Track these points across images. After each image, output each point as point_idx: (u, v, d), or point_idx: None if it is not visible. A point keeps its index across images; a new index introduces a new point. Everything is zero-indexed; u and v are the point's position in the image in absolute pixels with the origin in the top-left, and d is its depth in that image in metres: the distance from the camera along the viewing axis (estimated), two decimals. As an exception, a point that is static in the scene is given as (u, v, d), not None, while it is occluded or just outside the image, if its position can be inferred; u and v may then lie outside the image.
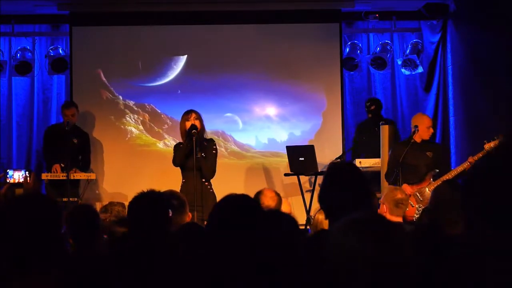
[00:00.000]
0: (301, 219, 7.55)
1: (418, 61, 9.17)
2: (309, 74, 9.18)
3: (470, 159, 6.83)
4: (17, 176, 7.91)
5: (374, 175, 8.31)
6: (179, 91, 9.20)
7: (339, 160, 7.89)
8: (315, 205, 6.43)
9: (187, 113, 6.84)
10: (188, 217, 4.31)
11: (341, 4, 9.20)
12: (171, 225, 3.32)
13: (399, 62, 9.33)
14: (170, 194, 4.18)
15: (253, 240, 2.41)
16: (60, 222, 2.34)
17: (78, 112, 8.38)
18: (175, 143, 9.06)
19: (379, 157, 8.01)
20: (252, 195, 2.97)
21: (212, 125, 8.71)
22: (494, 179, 1.25)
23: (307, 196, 7.98)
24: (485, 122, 8.06)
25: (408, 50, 9.30)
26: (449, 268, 2.33)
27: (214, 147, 6.90)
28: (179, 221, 3.90)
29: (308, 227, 7.37)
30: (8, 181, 7.80)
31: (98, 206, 7.42)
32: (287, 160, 8.27)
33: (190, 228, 3.03)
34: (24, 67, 9.03)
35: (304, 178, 8.49)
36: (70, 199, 7.68)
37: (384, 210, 5.26)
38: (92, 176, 8.29)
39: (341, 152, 8.76)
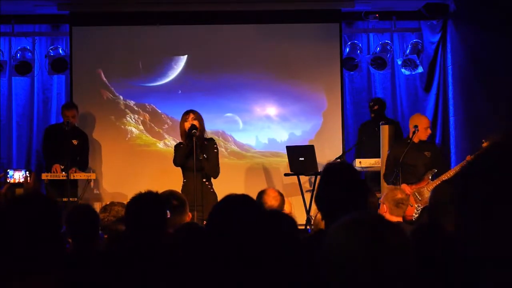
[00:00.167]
0: (301, 219, 7.55)
1: (418, 61, 9.17)
2: (309, 74, 9.18)
3: (468, 159, 6.85)
4: (17, 176, 7.92)
5: (374, 175, 8.32)
6: (180, 91, 9.20)
7: (339, 160, 7.89)
8: (315, 205, 6.43)
9: (186, 114, 6.87)
10: (188, 217, 4.31)
11: (341, 4, 9.20)
12: (168, 226, 3.33)
13: (399, 62, 9.33)
14: (170, 194, 4.19)
15: (252, 240, 2.41)
16: (60, 222, 2.34)
17: (78, 113, 8.39)
18: (175, 143, 9.09)
19: (379, 157, 8.01)
20: (252, 195, 2.97)
21: (213, 125, 8.71)
22: (488, 177, 1.25)
23: (307, 196, 7.98)
24: (485, 122, 8.06)
25: (408, 50, 9.30)
26: (448, 267, 2.34)
27: (215, 146, 6.93)
28: (179, 221, 3.91)
29: (308, 227, 7.38)
30: (8, 181, 7.80)
31: (98, 206, 7.42)
32: (287, 160, 8.27)
33: (189, 228, 3.03)
34: (24, 67, 9.03)
35: (304, 178, 8.49)
36: (70, 199, 7.69)
37: (384, 210, 5.26)
38: (92, 176, 8.30)
39: (341, 152, 8.76)
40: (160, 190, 4.18)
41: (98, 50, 9.15)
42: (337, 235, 1.57)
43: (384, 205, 5.34)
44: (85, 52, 9.09)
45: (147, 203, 3.28)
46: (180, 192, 4.32)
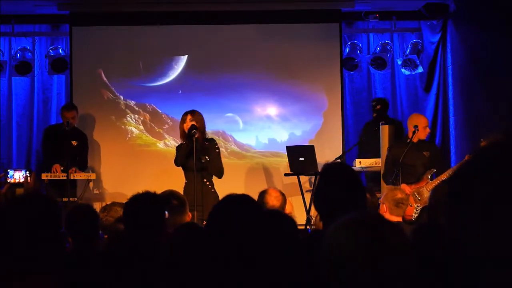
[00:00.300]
0: (301, 219, 7.55)
1: (418, 61, 9.17)
2: (309, 74, 9.18)
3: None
4: (17, 176, 7.92)
5: (374, 175, 8.32)
6: (180, 91, 9.21)
7: (339, 160, 7.89)
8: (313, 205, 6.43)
9: (184, 115, 6.93)
10: (188, 217, 4.31)
11: (341, 4, 9.20)
12: (168, 225, 3.33)
13: (399, 62, 9.33)
14: (170, 194, 4.18)
15: (252, 240, 2.41)
16: (60, 222, 2.34)
17: (78, 114, 8.39)
18: (175, 143, 9.11)
19: (380, 157, 8.00)
20: (252, 195, 2.97)
21: (213, 125, 8.71)
22: (487, 176, 1.25)
23: (307, 196, 7.97)
24: (485, 122, 8.06)
25: (408, 50, 9.30)
26: (448, 267, 2.34)
27: (216, 146, 6.96)
28: (179, 221, 3.90)
29: (308, 227, 7.38)
30: (8, 181, 7.80)
31: (98, 206, 7.42)
32: (287, 160, 8.27)
33: (188, 228, 3.04)
34: (24, 67, 9.03)
35: (304, 178, 8.49)
36: (70, 199, 7.69)
37: (384, 209, 5.26)
38: (92, 176, 8.30)
39: (341, 152, 8.76)
40: (160, 190, 4.19)
41: (98, 50, 9.15)
42: (336, 235, 1.57)
43: (384, 205, 5.34)
44: (85, 52, 9.09)
45: (145, 204, 3.30)
46: (180, 192, 4.32)
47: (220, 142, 8.82)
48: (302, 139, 9.11)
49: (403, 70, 9.29)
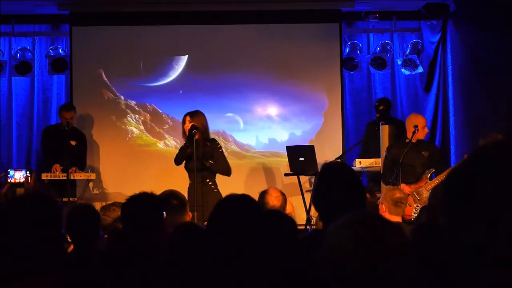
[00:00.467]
0: (301, 219, 7.55)
1: (418, 61, 9.17)
2: (309, 74, 9.18)
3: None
4: (18, 176, 7.91)
5: (375, 175, 8.31)
6: (181, 91, 9.21)
7: (339, 160, 7.89)
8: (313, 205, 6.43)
9: (184, 116, 6.96)
10: (189, 217, 4.31)
11: (341, 4, 9.20)
12: (168, 225, 3.33)
13: (399, 62, 9.33)
14: (170, 193, 4.18)
15: (252, 240, 2.41)
16: (60, 222, 2.34)
17: (76, 114, 8.38)
18: (175, 143, 9.12)
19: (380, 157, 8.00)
20: (252, 195, 2.97)
21: (213, 125, 8.69)
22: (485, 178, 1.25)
23: (307, 196, 7.97)
24: (485, 122, 8.06)
25: (408, 50, 9.30)
26: (448, 267, 2.34)
27: (219, 146, 7.03)
28: (179, 220, 3.90)
29: (308, 227, 7.38)
30: (9, 181, 7.80)
31: (98, 206, 7.42)
32: (287, 160, 8.27)
33: (185, 228, 3.04)
34: (24, 67, 9.03)
35: (304, 178, 8.49)
36: (70, 199, 7.69)
37: (383, 209, 5.26)
38: (92, 176, 8.30)
39: (341, 152, 8.76)
40: (160, 190, 4.19)
41: (98, 50, 9.15)
42: (336, 235, 1.57)
43: (383, 205, 5.34)
44: (85, 52, 9.09)
45: (142, 204, 3.31)
46: (181, 192, 4.32)
47: (221, 142, 8.80)
48: (302, 139, 9.11)
49: (403, 70, 9.29)
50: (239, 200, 2.81)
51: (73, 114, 8.22)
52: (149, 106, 9.25)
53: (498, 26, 7.79)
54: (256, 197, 5.05)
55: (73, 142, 8.13)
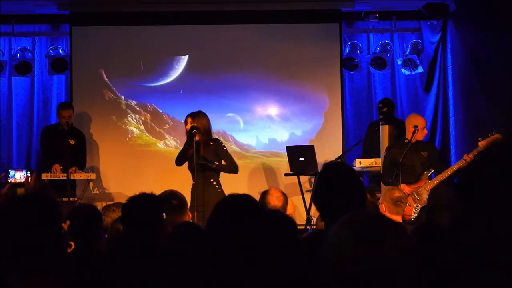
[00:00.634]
0: (301, 219, 7.55)
1: (418, 61, 9.17)
2: (309, 74, 9.18)
3: (465, 157, 6.90)
4: (18, 176, 7.91)
5: (375, 175, 8.31)
6: (181, 91, 9.21)
7: (339, 160, 7.89)
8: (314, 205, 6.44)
9: (186, 117, 6.95)
10: (188, 217, 4.31)
11: (341, 4, 9.20)
12: (168, 225, 3.34)
13: (399, 62, 9.33)
14: (170, 193, 4.18)
15: (252, 240, 2.41)
16: (60, 222, 2.34)
17: (74, 113, 8.39)
18: (175, 143, 9.13)
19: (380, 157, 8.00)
20: (252, 195, 2.97)
21: (214, 125, 8.62)
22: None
23: (307, 196, 7.97)
24: (485, 122, 8.06)
25: (408, 50, 9.30)
26: (448, 267, 2.34)
27: (222, 144, 7.08)
28: (179, 220, 3.90)
29: (308, 227, 7.38)
30: (9, 181, 7.80)
31: (98, 206, 7.42)
32: (287, 160, 8.27)
33: (185, 228, 3.04)
34: (24, 67, 9.03)
35: (304, 178, 8.49)
36: (70, 199, 7.69)
37: (383, 209, 5.27)
38: (92, 176, 8.30)
39: (341, 152, 8.76)
40: (160, 190, 4.19)
41: (98, 50, 9.15)
42: (338, 235, 1.57)
43: (383, 205, 5.35)
44: (85, 52, 9.09)
45: (142, 205, 3.32)
46: (179, 192, 4.32)
47: (221, 142, 8.83)
48: (303, 139, 9.11)
49: (403, 70, 9.28)
50: (240, 200, 2.80)
51: (71, 113, 8.22)
52: (149, 106, 9.25)
53: (498, 26, 7.79)
54: (256, 197, 5.05)
55: (72, 141, 8.12)
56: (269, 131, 9.27)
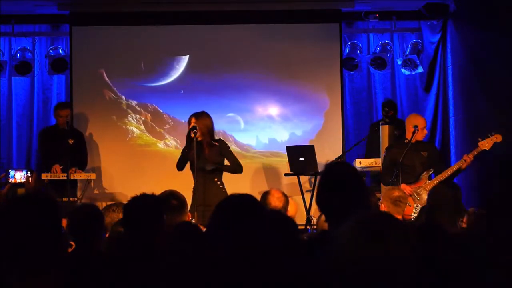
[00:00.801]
0: (301, 219, 7.55)
1: (418, 61, 9.17)
2: (310, 74, 9.18)
3: (465, 157, 6.91)
4: (18, 176, 7.91)
5: (375, 175, 8.31)
6: (182, 91, 9.21)
7: (339, 160, 7.89)
8: (315, 205, 6.46)
9: (189, 117, 6.95)
10: (188, 217, 4.32)
11: (341, 4, 9.20)
12: (165, 227, 3.34)
13: (399, 62, 9.33)
14: (170, 194, 4.18)
15: (253, 240, 2.41)
16: (60, 222, 2.34)
17: (71, 113, 8.38)
18: (175, 143, 9.13)
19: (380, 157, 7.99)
20: (252, 195, 2.97)
21: (215, 125, 8.69)
22: None
23: (307, 196, 7.98)
24: (485, 122, 8.06)
25: (408, 50, 9.30)
26: (449, 267, 2.34)
27: (227, 145, 7.08)
28: (178, 221, 3.90)
29: (308, 227, 7.38)
30: (9, 181, 7.80)
31: (98, 206, 7.42)
32: (287, 160, 8.28)
33: (184, 228, 3.04)
34: (24, 67, 9.03)
35: (304, 178, 8.49)
36: (70, 199, 7.69)
37: (383, 209, 5.27)
38: (92, 176, 8.29)
39: (341, 152, 8.76)
40: (161, 190, 4.20)
41: (98, 50, 9.15)
42: (347, 236, 1.57)
43: (383, 205, 5.35)
44: (85, 52, 9.10)
45: (142, 205, 3.33)
46: (179, 192, 4.32)
47: (221, 142, 8.83)
48: (303, 139, 9.11)
49: (403, 70, 9.28)
50: (241, 200, 2.80)
51: (69, 112, 8.21)
52: (150, 106, 9.26)
53: (498, 26, 7.79)
54: (256, 197, 5.05)
55: (71, 141, 8.11)
56: (269, 131, 9.27)
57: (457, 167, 6.98)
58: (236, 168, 6.98)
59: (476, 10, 8.38)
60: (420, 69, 9.22)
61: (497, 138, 6.92)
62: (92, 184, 8.69)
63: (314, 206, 7.66)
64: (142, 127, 9.22)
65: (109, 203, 5.25)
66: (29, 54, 9.17)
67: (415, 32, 9.50)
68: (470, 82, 8.67)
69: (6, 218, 2.25)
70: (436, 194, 4.75)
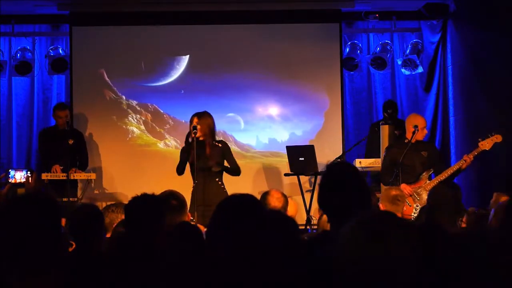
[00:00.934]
0: (301, 219, 7.55)
1: (418, 61, 9.17)
2: (310, 74, 9.19)
3: (465, 157, 6.91)
4: (18, 176, 7.91)
5: (375, 175, 8.31)
6: (182, 91, 9.21)
7: (339, 160, 7.89)
8: (315, 205, 6.46)
9: (191, 117, 6.93)
10: (188, 217, 4.32)
11: (341, 4, 9.20)
12: (165, 227, 3.35)
13: (399, 62, 9.33)
14: (170, 194, 4.18)
15: (253, 240, 2.41)
16: (60, 222, 2.34)
17: (70, 113, 8.38)
18: (175, 143, 9.12)
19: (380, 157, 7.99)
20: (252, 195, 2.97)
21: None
22: None
23: (307, 196, 7.98)
24: (485, 122, 8.06)
25: (408, 50, 9.30)
26: (449, 267, 2.34)
27: (229, 147, 7.09)
28: (178, 221, 3.90)
29: (308, 227, 7.38)
30: (10, 181, 7.80)
31: (98, 206, 7.42)
32: (287, 160, 8.28)
33: (184, 228, 3.05)
34: (24, 67, 9.03)
35: (304, 178, 8.49)
36: (70, 199, 7.69)
37: (382, 209, 5.27)
38: (92, 176, 8.29)
39: (341, 152, 8.75)
40: (161, 190, 4.19)
41: (98, 50, 9.15)
42: (350, 236, 1.57)
43: (381, 204, 5.36)
44: (85, 52, 9.10)
45: (142, 205, 3.33)
46: (179, 192, 4.32)
47: (221, 142, 8.83)
48: (303, 139, 9.11)
49: (403, 70, 9.29)
50: (242, 200, 2.80)
51: (68, 113, 8.20)
52: (150, 106, 9.26)
53: (498, 26, 7.79)
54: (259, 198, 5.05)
55: (70, 141, 8.11)
56: (269, 131, 9.27)
57: (457, 167, 6.98)
58: (237, 170, 6.99)
59: (476, 10, 8.38)
60: (420, 69, 9.23)
61: (497, 138, 6.92)
62: (92, 184, 8.69)
63: (314, 206, 7.68)
64: (142, 127, 9.22)
65: (109, 203, 5.25)
66: (29, 54, 9.17)
67: (415, 32, 9.50)
68: (470, 82, 8.67)
69: (6, 218, 2.25)
70: (436, 194, 4.74)
